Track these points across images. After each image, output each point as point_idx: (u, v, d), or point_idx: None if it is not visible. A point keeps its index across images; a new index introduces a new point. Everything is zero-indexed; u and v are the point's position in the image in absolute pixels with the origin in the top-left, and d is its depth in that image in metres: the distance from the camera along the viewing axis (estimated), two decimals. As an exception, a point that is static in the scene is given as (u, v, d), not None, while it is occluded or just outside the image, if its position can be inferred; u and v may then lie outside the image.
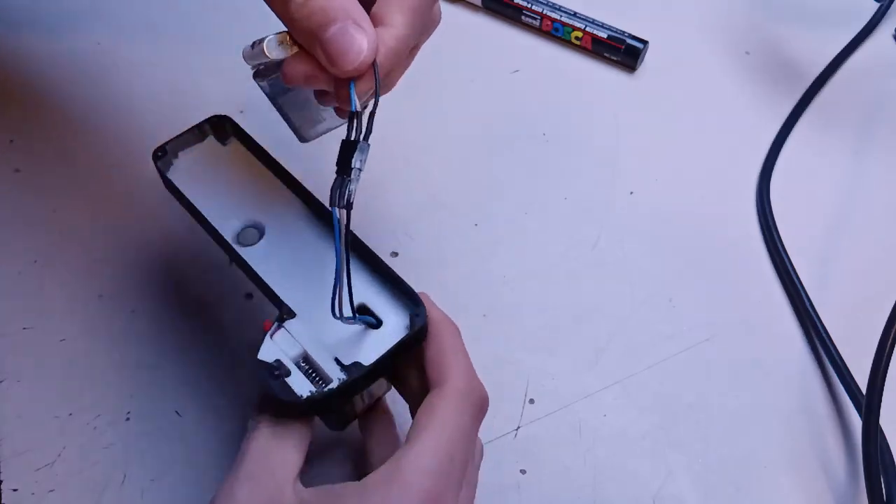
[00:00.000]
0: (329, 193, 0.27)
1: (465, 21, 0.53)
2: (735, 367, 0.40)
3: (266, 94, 0.32)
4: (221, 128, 0.35)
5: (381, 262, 0.31)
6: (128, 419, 0.37)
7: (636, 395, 0.39)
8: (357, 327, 0.29)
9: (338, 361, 0.28)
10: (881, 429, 0.35)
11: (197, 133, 0.34)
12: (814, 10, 0.55)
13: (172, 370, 0.38)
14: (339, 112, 0.34)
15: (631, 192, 0.46)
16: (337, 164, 0.27)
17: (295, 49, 0.28)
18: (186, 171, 0.34)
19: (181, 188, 0.33)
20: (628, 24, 0.51)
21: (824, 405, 0.39)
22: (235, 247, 0.32)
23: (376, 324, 0.29)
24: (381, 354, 0.28)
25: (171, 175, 0.34)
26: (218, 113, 0.35)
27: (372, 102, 0.27)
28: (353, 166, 0.27)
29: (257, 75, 0.31)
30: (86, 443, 0.36)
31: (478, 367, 0.30)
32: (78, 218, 0.43)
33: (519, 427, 0.38)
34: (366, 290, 0.30)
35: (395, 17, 0.28)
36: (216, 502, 0.26)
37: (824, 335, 0.40)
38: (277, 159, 0.34)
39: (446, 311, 0.31)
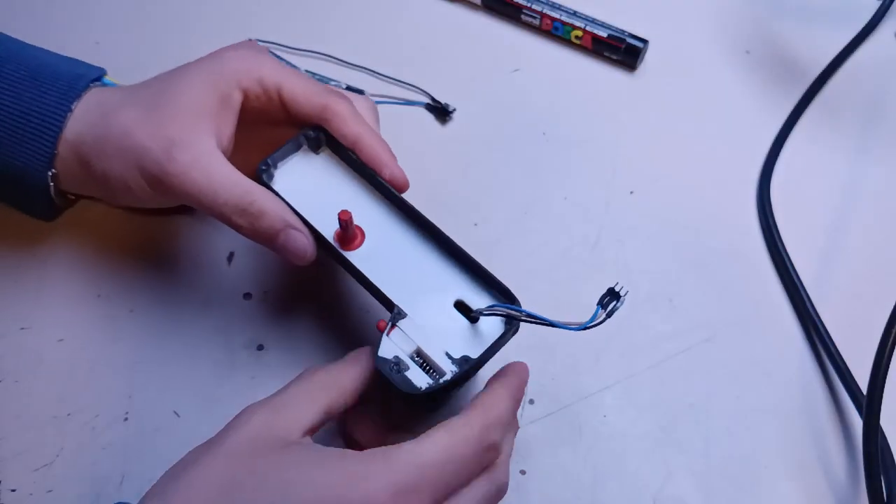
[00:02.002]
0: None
1: (464, 20, 0.53)
2: (735, 367, 0.40)
3: None
4: (315, 138, 0.37)
5: (474, 260, 0.33)
6: (126, 419, 0.37)
7: (636, 395, 0.39)
8: (458, 325, 0.32)
9: (448, 356, 0.31)
10: (881, 429, 0.35)
11: (293, 144, 0.37)
12: (814, 9, 0.55)
13: (171, 370, 0.38)
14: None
15: (631, 192, 0.46)
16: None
17: None
18: (287, 181, 0.37)
19: (286, 197, 0.35)
20: (628, 23, 0.51)
21: (824, 405, 0.39)
22: (343, 252, 0.34)
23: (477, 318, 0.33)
24: (486, 347, 0.31)
25: (275, 185, 0.36)
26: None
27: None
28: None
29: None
30: (84, 443, 0.36)
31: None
32: (76, 217, 0.43)
33: (519, 427, 0.37)
34: (461, 286, 0.33)
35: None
36: (236, 419, 0.29)
37: (824, 335, 0.40)
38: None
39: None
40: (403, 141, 0.47)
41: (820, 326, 0.40)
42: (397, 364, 0.31)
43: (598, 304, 0.29)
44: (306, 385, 0.31)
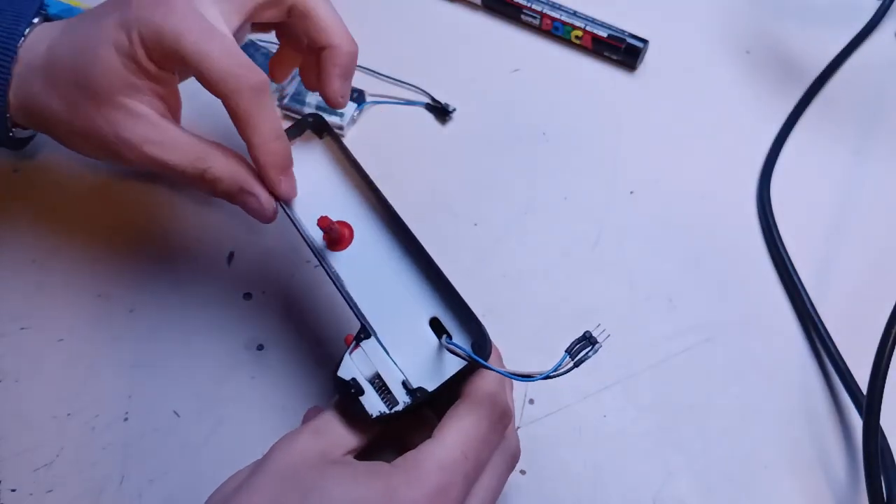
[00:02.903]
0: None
1: (464, 20, 0.53)
2: (735, 367, 0.40)
3: None
4: (315, 128, 0.37)
5: (451, 284, 0.32)
6: (126, 419, 0.37)
7: (636, 395, 0.39)
8: (426, 346, 0.31)
9: (405, 385, 0.31)
10: (881, 429, 0.35)
11: (294, 131, 0.36)
12: (815, 9, 0.55)
13: (171, 370, 0.38)
14: None
15: (631, 192, 0.46)
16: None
17: None
18: None
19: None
20: (629, 23, 0.51)
21: (824, 405, 0.39)
22: (325, 253, 0.34)
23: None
24: (443, 380, 0.30)
25: None
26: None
27: None
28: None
29: None
30: (84, 443, 0.36)
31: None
32: (76, 217, 0.43)
33: (519, 427, 0.38)
34: (436, 306, 0.32)
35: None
36: (280, 442, 0.30)
37: (824, 335, 0.40)
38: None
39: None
40: (403, 141, 0.47)
41: (820, 326, 0.40)
42: (354, 387, 0.30)
43: (566, 350, 0.28)
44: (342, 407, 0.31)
